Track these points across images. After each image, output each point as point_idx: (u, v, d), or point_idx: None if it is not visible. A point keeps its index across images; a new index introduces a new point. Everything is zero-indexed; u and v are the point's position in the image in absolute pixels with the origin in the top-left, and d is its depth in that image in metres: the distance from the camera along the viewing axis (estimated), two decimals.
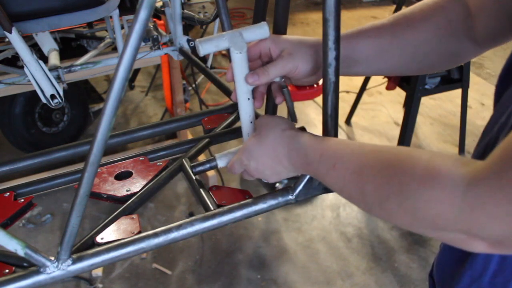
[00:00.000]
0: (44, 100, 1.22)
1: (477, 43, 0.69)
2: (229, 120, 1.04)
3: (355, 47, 0.71)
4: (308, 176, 0.74)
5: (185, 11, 1.48)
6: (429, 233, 0.48)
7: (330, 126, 0.69)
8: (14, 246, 0.63)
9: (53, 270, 0.66)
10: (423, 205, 0.45)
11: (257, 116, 1.03)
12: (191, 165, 0.86)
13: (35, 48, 1.45)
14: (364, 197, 0.53)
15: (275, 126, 0.68)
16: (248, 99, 0.73)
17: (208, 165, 0.84)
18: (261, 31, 0.71)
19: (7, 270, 0.67)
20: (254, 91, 0.75)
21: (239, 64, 0.69)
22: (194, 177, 0.85)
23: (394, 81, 2.53)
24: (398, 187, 0.48)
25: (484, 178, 0.40)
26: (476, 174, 0.41)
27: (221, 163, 0.81)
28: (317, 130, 2.93)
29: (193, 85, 2.82)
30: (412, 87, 2.41)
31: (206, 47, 0.68)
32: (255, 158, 0.69)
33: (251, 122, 0.76)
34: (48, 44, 1.45)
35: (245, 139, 0.79)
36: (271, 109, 0.96)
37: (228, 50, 0.70)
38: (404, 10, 0.73)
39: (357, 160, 0.56)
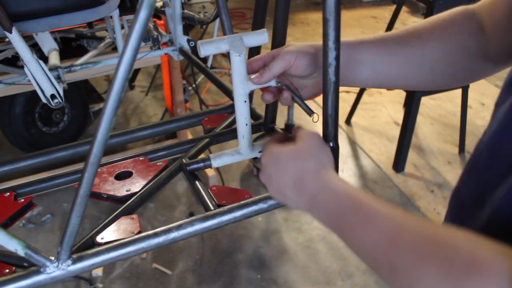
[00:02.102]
0: (44, 100, 1.22)
1: (491, 61, 0.66)
2: (229, 120, 1.04)
3: (358, 48, 0.70)
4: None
5: (185, 11, 1.48)
6: None
7: (330, 126, 0.69)
8: (14, 246, 0.63)
9: (53, 270, 0.66)
10: None
11: (258, 117, 1.04)
12: (186, 162, 0.86)
13: (35, 48, 1.45)
14: (393, 271, 0.48)
15: (317, 157, 0.62)
16: (245, 101, 0.74)
17: (202, 164, 0.84)
18: (261, 37, 0.73)
19: (7, 270, 0.67)
20: (265, 91, 0.75)
21: (238, 66, 0.70)
22: (193, 177, 0.85)
23: None
24: (439, 268, 0.44)
25: None
26: None
27: (215, 163, 0.82)
28: (317, 130, 2.93)
29: (193, 85, 2.82)
30: None
31: (207, 48, 0.69)
32: (278, 171, 0.63)
33: (246, 125, 0.77)
34: (48, 44, 1.45)
35: (240, 141, 0.79)
36: (271, 109, 0.96)
37: (228, 53, 0.71)
38: (415, 23, 0.71)
39: (395, 226, 0.50)
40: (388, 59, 0.70)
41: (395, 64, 0.70)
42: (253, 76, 0.71)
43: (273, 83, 0.72)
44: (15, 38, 1.06)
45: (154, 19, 1.75)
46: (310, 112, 0.74)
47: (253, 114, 1.03)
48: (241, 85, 0.72)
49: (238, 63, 0.70)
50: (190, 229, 0.73)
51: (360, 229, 0.53)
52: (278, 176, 0.63)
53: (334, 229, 0.58)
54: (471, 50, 0.67)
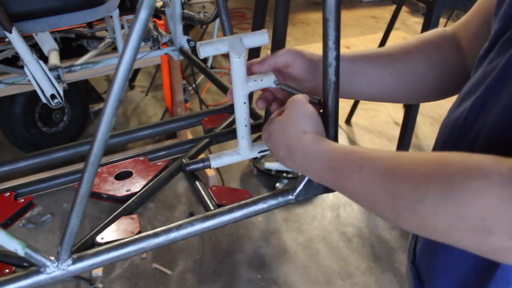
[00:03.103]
0: (44, 100, 1.22)
1: (468, 73, 0.70)
2: (229, 120, 1.04)
3: (356, 60, 0.73)
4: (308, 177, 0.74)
5: (185, 11, 1.48)
6: (469, 240, 0.43)
7: (330, 126, 0.68)
8: (14, 246, 0.63)
9: (53, 270, 0.66)
10: (469, 197, 0.41)
11: (258, 117, 1.03)
12: (186, 163, 0.86)
13: (35, 48, 1.45)
14: (394, 201, 0.48)
15: (297, 124, 0.64)
16: (244, 103, 0.73)
17: (201, 164, 0.84)
18: (261, 38, 0.72)
19: (7, 270, 0.67)
20: (259, 98, 0.76)
21: (237, 68, 0.70)
22: (193, 177, 0.85)
23: None
24: (440, 182, 0.43)
25: None
26: None
27: (214, 163, 0.82)
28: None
29: (193, 85, 2.82)
30: None
31: (207, 50, 0.69)
32: (273, 146, 0.68)
33: (246, 126, 0.77)
34: (48, 44, 1.45)
35: (239, 141, 0.79)
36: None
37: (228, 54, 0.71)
38: (402, 41, 0.76)
39: (388, 161, 0.51)
40: (382, 72, 0.73)
41: (388, 77, 0.73)
42: (253, 64, 0.71)
43: (272, 84, 0.72)
44: (15, 38, 1.06)
45: (154, 19, 1.75)
46: (316, 99, 0.74)
47: (253, 114, 1.03)
48: (241, 87, 0.71)
49: (238, 65, 0.70)
50: (190, 229, 0.73)
51: (354, 174, 0.54)
52: (274, 150, 0.68)
53: (332, 184, 0.59)
54: (452, 63, 0.72)
